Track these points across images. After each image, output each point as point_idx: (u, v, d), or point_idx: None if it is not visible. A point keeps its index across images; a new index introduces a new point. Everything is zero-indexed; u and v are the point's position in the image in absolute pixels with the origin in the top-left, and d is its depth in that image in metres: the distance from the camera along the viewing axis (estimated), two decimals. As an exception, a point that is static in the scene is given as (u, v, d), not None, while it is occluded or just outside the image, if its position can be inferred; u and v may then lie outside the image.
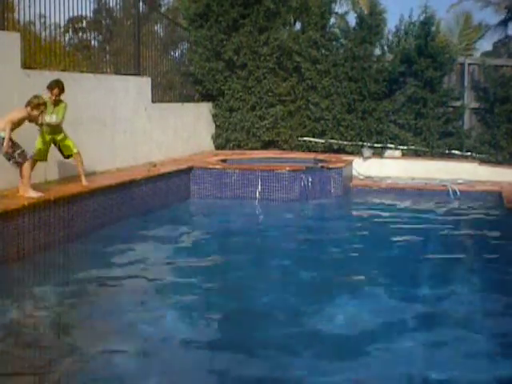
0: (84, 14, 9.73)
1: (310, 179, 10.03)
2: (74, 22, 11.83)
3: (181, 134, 12.07)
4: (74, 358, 4.18)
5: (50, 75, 8.06)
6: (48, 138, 7.47)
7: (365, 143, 12.68)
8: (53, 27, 9.45)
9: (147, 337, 4.57)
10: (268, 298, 5.47)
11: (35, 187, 6.85)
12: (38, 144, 7.43)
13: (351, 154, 12.57)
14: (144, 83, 10.78)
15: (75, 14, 9.28)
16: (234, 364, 4.15)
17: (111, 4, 11.71)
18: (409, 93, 12.60)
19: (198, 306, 5.33)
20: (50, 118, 7.36)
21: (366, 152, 12.45)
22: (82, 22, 12.05)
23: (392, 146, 12.67)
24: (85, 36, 12.77)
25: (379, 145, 12.69)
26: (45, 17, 8.66)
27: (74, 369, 4.06)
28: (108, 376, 3.96)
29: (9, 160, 6.65)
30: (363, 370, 4.07)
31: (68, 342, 4.57)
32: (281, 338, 4.56)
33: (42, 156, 7.45)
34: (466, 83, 12.93)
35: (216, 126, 13.54)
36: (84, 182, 7.61)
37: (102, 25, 12.54)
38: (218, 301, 5.44)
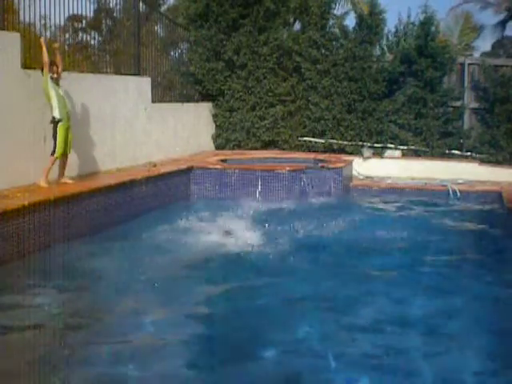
0: (84, 14, 9.73)
1: (310, 179, 10.03)
2: (73, 22, 11.83)
3: (181, 134, 12.07)
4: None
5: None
6: (65, 126, 7.60)
7: (365, 143, 12.68)
8: (53, 27, 9.45)
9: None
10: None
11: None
12: (59, 141, 7.55)
13: (351, 154, 12.58)
14: (144, 83, 10.78)
15: (75, 14, 9.29)
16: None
17: (111, 4, 11.71)
18: (409, 93, 12.60)
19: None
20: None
21: (366, 152, 12.46)
22: (82, 22, 12.05)
23: (392, 146, 12.67)
24: (85, 36, 12.78)
25: (379, 145, 12.69)
26: (45, 17, 8.66)
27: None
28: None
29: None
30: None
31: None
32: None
33: (64, 150, 7.63)
34: (465, 83, 12.94)
35: (216, 126, 13.54)
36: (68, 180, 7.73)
37: (102, 25, 12.54)
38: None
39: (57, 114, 7.52)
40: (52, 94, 7.50)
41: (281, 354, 4.33)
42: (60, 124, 7.53)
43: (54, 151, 7.52)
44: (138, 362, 4.10)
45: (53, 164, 7.56)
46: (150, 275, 5.91)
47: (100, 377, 3.97)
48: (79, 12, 9.27)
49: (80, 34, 12.29)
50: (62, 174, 7.80)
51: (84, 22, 11.99)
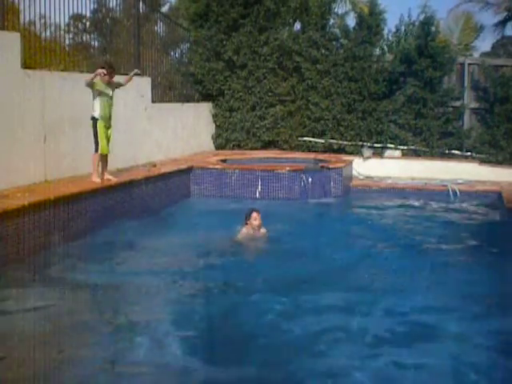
0: (84, 13, 9.72)
1: (310, 179, 10.04)
2: (74, 21, 11.82)
3: (181, 134, 12.07)
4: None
5: (50, 75, 8.07)
6: (104, 125, 7.85)
7: (365, 143, 12.68)
8: (53, 27, 9.44)
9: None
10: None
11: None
12: (101, 138, 7.82)
13: (351, 154, 12.58)
14: (144, 83, 10.78)
15: (75, 13, 9.29)
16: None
17: (111, 4, 11.69)
18: (409, 93, 12.60)
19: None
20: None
21: (366, 152, 12.46)
22: (82, 22, 12.04)
23: (392, 145, 12.67)
24: (85, 36, 12.77)
25: (379, 145, 12.69)
26: (45, 17, 8.66)
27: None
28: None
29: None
30: None
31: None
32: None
33: (106, 149, 7.91)
34: (465, 83, 12.93)
35: (216, 126, 13.55)
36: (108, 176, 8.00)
37: (102, 25, 12.52)
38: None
39: (96, 114, 7.78)
40: (98, 94, 7.78)
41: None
42: (99, 122, 7.78)
43: (96, 148, 7.81)
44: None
45: (98, 160, 7.86)
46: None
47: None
48: (79, 12, 9.26)
49: (80, 34, 12.25)
50: (104, 170, 8.03)
51: (84, 21, 11.96)
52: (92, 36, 12.12)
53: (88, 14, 10.44)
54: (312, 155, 12.22)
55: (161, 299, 5.49)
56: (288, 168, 10.11)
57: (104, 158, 8.00)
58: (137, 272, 6.14)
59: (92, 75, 7.69)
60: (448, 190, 10.63)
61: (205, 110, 13.38)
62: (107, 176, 8.01)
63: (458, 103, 12.82)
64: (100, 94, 7.82)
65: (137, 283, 5.80)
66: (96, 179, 7.82)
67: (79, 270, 6.11)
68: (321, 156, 12.06)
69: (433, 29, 12.78)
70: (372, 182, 11.51)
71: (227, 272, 6.21)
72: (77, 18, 10.80)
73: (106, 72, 7.75)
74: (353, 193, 10.95)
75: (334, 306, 5.24)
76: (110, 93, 7.96)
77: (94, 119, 7.82)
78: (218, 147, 13.44)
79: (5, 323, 4.74)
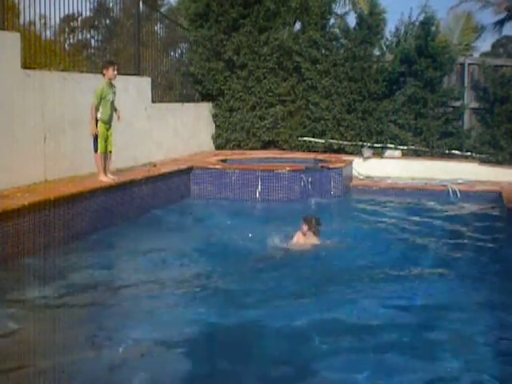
0: (84, 14, 9.73)
1: (310, 179, 10.03)
2: (72, 21, 11.81)
3: (181, 134, 12.07)
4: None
5: (50, 75, 8.08)
6: (104, 130, 7.92)
7: (365, 143, 12.68)
8: (53, 27, 9.44)
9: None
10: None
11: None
12: (100, 139, 7.89)
13: (351, 154, 12.58)
14: (144, 83, 10.78)
15: (75, 14, 9.29)
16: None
17: (111, 4, 11.70)
18: (409, 93, 12.60)
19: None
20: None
21: (366, 152, 12.45)
22: (82, 22, 12.03)
23: (392, 146, 12.67)
24: (85, 36, 12.76)
25: (379, 145, 12.69)
26: (45, 17, 8.65)
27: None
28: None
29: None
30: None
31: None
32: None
33: (104, 148, 7.95)
34: (465, 83, 12.93)
35: (216, 126, 13.55)
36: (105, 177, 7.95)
37: (102, 25, 12.52)
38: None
39: (99, 114, 7.85)
40: (102, 96, 7.84)
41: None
42: (100, 123, 7.84)
43: (95, 148, 7.88)
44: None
45: (101, 159, 7.91)
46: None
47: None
48: (79, 11, 9.27)
49: (80, 34, 12.23)
50: (105, 169, 8.04)
51: (83, 21, 11.94)
52: (91, 36, 12.11)
53: (88, 14, 10.42)
54: (312, 155, 12.22)
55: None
56: (288, 168, 10.11)
57: (106, 158, 8.00)
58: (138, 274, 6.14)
59: (92, 121, 7.82)
60: (448, 190, 10.62)
61: (205, 109, 13.38)
62: (109, 175, 8.01)
63: (458, 103, 12.82)
64: (105, 96, 7.85)
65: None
66: (103, 178, 7.85)
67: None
68: (321, 156, 12.06)
69: (433, 29, 12.77)
70: (372, 181, 11.51)
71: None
72: (74, 17, 10.78)
73: (116, 68, 7.97)
74: (353, 193, 10.95)
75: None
76: (113, 95, 7.97)
77: (96, 120, 7.84)
78: (218, 147, 13.44)
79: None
